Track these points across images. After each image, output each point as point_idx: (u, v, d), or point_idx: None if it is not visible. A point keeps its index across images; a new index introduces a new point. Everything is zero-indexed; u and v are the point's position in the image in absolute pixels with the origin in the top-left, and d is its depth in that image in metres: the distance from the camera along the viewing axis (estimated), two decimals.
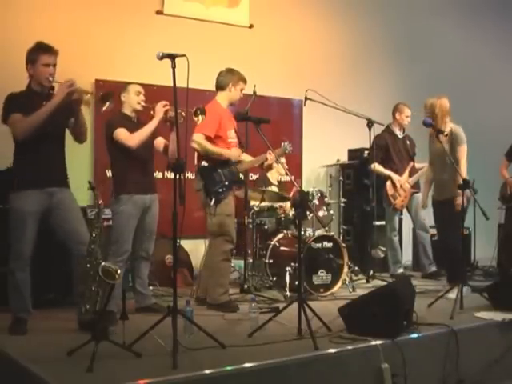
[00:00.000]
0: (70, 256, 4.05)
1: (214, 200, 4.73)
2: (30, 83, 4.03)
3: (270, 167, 6.33)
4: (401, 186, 6.31)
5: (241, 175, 4.98)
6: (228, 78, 4.89)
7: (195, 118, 4.28)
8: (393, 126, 6.48)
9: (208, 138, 4.73)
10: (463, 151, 5.38)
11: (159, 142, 4.64)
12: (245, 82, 4.94)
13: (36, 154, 3.94)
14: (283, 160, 5.94)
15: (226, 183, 4.76)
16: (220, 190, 4.74)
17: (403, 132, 6.52)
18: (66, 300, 4.52)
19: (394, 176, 6.30)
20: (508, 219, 6.94)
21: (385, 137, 6.40)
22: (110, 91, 4.29)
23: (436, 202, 5.60)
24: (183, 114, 4.10)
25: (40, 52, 3.95)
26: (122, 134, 4.38)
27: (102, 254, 4.02)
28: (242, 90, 4.94)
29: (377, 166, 6.29)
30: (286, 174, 4.99)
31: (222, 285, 4.78)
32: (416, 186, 6.45)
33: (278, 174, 6.41)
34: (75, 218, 4.07)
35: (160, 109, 4.37)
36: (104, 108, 4.17)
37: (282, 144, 5.18)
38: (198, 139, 4.70)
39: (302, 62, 7.17)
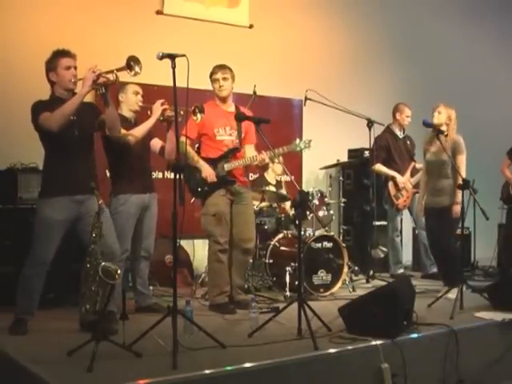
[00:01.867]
0: (70, 256, 4.04)
1: (193, 199, 4.72)
2: (53, 91, 4.01)
3: (265, 168, 6.32)
4: (403, 187, 6.31)
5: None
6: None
7: (194, 117, 4.26)
8: (393, 126, 6.48)
9: (192, 140, 4.70)
10: (463, 160, 5.31)
11: (156, 142, 4.62)
12: (214, 72, 4.78)
13: (66, 161, 3.92)
14: (280, 159, 5.92)
15: (208, 183, 4.70)
16: (199, 189, 4.71)
17: (403, 132, 6.53)
18: (67, 300, 4.52)
19: (399, 177, 6.30)
20: (509, 219, 6.94)
21: (386, 137, 6.40)
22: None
23: (431, 210, 5.42)
24: (181, 113, 4.07)
25: (59, 57, 3.95)
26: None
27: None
28: (214, 80, 4.78)
29: (380, 167, 6.29)
30: (286, 173, 4.93)
31: (217, 285, 4.73)
32: (418, 186, 6.45)
33: (274, 173, 6.40)
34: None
35: (158, 107, 4.35)
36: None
37: (297, 140, 4.96)
38: (183, 143, 4.60)
39: (301, 62, 7.17)
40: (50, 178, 3.99)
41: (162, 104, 4.35)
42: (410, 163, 6.45)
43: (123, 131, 4.37)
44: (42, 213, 3.94)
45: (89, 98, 4.13)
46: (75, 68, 3.98)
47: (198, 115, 4.24)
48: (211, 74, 4.82)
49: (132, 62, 3.77)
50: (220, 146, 4.78)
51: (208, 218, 4.70)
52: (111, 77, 3.82)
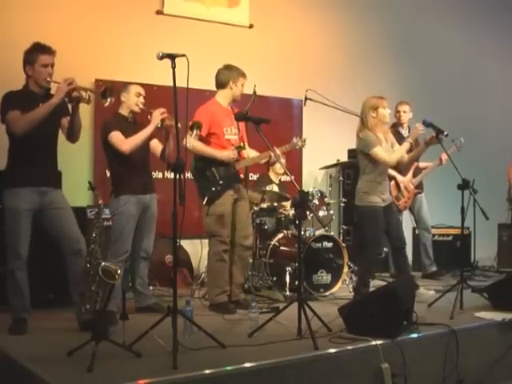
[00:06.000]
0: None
1: (206, 199, 4.68)
2: (27, 83, 4.02)
3: (273, 164, 6.32)
4: (405, 187, 6.29)
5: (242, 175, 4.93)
6: (227, 75, 4.81)
7: (190, 132, 4.29)
8: (397, 125, 6.46)
9: (201, 138, 4.69)
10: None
11: (156, 144, 4.61)
12: (244, 76, 4.86)
13: (30, 153, 3.94)
14: (283, 160, 5.93)
15: (221, 182, 4.70)
16: (213, 189, 4.70)
17: (409, 131, 6.48)
18: (66, 300, 4.51)
19: (399, 177, 6.26)
20: None
21: None
22: (111, 86, 4.18)
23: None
24: (179, 125, 4.00)
25: (38, 53, 3.94)
26: (115, 137, 4.36)
27: (102, 254, 4.02)
28: (242, 84, 4.86)
29: None
30: (286, 173, 4.94)
31: (218, 285, 4.74)
32: (419, 187, 6.43)
33: (274, 173, 6.40)
34: (66, 215, 4.06)
35: (157, 116, 4.32)
36: (106, 104, 4.04)
37: (294, 139, 5.06)
38: (191, 140, 4.61)
39: (301, 62, 7.17)
40: (14, 169, 3.99)
41: (162, 113, 4.33)
42: (412, 163, 6.41)
43: (121, 138, 4.36)
44: (8, 203, 3.96)
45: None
46: (52, 66, 3.98)
47: (195, 131, 4.27)
48: (238, 77, 4.81)
49: (107, 93, 3.81)
50: (227, 145, 4.78)
51: (215, 219, 4.69)
52: (84, 95, 3.86)
